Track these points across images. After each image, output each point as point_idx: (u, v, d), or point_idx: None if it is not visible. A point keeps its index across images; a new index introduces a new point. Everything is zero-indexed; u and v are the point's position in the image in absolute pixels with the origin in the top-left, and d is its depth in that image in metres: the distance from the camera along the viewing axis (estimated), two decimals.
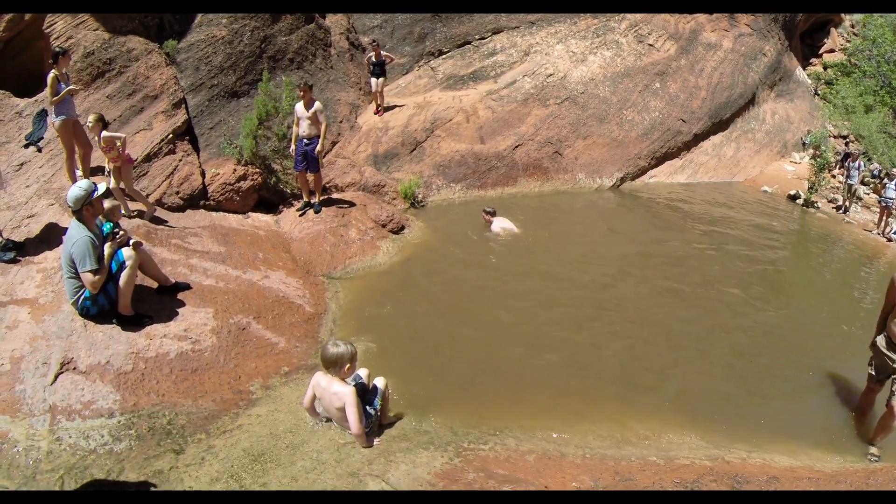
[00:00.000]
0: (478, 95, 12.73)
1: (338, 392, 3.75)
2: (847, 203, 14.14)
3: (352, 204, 8.58)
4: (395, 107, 12.18)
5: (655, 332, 6.44)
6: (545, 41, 13.99)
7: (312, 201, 8.27)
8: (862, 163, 14.25)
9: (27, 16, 8.04)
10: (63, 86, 6.46)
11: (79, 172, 6.88)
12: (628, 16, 14.93)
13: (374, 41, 12.28)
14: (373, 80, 11.74)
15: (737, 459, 4.36)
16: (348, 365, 3.76)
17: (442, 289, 7.00)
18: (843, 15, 24.56)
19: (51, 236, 5.79)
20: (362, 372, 4.38)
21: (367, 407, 4.03)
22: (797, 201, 14.09)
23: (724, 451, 4.51)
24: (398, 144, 11.26)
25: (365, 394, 4.10)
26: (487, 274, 7.54)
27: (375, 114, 11.74)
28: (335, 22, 12.33)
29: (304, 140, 7.83)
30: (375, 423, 4.08)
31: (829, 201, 14.67)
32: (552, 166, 12.30)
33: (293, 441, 3.82)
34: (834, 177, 16.42)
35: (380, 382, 4.23)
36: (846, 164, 14.67)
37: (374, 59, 11.64)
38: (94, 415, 3.97)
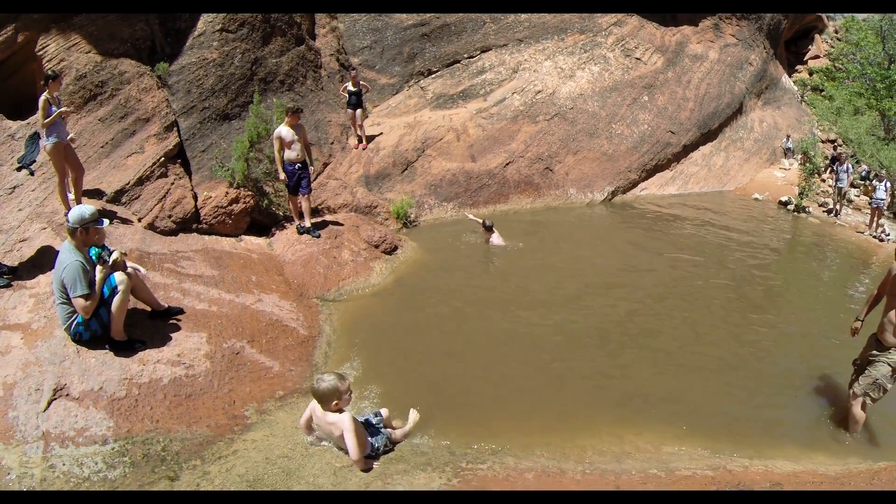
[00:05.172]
0: (468, 114, 12.83)
1: (334, 422, 3.71)
2: (837, 206, 14.29)
3: (344, 225, 8.57)
4: (374, 137, 11.92)
5: (650, 344, 6.43)
6: (533, 58, 14.15)
7: (305, 224, 8.23)
8: (850, 166, 14.42)
9: (20, 38, 8.07)
10: (55, 108, 6.47)
11: (71, 196, 6.84)
12: (615, 30, 15.15)
13: (352, 69, 12.10)
14: (349, 111, 11.44)
15: (739, 468, 4.33)
16: (335, 401, 3.66)
17: (436, 308, 6.97)
18: (826, 20, 24.99)
19: (43, 260, 5.74)
20: (383, 412, 4.30)
21: (372, 439, 3.96)
22: (788, 207, 14.22)
23: (725, 460, 4.48)
24: (389, 165, 11.30)
25: (369, 428, 4.05)
26: (481, 292, 7.52)
27: (355, 148, 11.45)
28: (325, 43, 12.43)
29: (298, 164, 7.82)
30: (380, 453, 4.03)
31: (820, 205, 14.82)
32: (543, 182, 12.36)
33: (289, 466, 3.78)
34: (824, 181, 16.59)
35: (386, 431, 4.18)
36: (835, 167, 14.84)
37: (350, 87, 11.28)
38: (87, 441, 3.92)
